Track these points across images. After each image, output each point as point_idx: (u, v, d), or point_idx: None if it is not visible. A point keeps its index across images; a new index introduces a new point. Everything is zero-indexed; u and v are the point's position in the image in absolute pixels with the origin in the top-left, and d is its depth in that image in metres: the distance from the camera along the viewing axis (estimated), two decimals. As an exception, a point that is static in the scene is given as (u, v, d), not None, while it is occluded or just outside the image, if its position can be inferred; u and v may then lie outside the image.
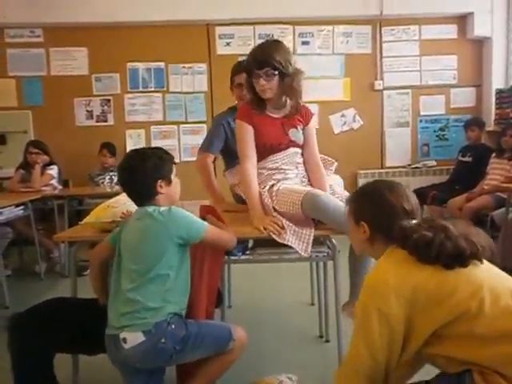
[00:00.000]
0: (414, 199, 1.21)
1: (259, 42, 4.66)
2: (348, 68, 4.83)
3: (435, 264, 1.06)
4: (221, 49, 4.77)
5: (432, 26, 4.82)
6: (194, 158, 4.88)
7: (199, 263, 1.64)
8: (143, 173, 1.56)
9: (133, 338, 1.45)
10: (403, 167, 4.90)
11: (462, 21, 4.80)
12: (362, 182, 4.74)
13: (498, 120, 4.71)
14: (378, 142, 4.94)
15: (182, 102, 4.83)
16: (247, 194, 1.94)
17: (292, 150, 2.01)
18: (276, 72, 1.91)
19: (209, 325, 1.62)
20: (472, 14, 4.66)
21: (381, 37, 4.82)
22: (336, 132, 4.88)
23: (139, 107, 4.81)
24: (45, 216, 3.77)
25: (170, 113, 4.82)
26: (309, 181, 2.04)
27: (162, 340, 1.44)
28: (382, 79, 4.85)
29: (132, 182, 1.59)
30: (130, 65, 4.75)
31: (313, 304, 2.88)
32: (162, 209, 1.53)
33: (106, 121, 4.80)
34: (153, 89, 4.80)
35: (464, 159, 4.25)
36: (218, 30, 4.75)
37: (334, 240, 1.81)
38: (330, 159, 2.17)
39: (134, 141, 4.81)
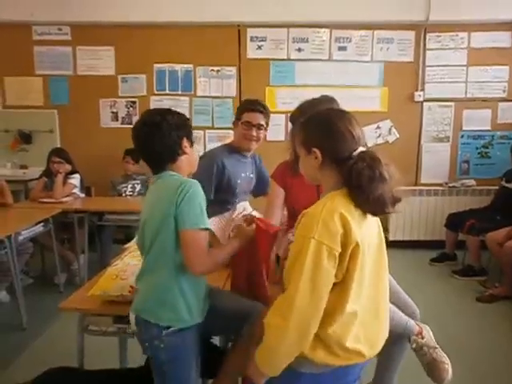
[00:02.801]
0: (359, 128, 1.24)
1: (293, 45, 4.50)
2: (387, 77, 4.50)
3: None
4: (252, 52, 4.52)
5: (482, 33, 4.40)
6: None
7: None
8: (168, 127, 1.40)
9: None
10: (439, 185, 4.60)
11: (517, 28, 4.37)
12: (393, 199, 4.47)
13: (549, 141, 4.33)
14: (414, 157, 4.64)
15: (209, 107, 4.65)
16: None
17: None
18: None
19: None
20: (529, 21, 4.23)
21: (425, 44, 4.44)
22: (369, 145, 4.54)
23: (165, 110, 4.65)
24: (66, 227, 3.74)
25: (197, 117, 4.65)
26: None
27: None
28: (422, 90, 4.51)
29: (153, 138, 1.40)
30: (156, 66, 4.58)
31: None
32: (185, 179, 1.41)
33: (130, 123, 4.67)
34: (180, 92, 4.63)
35: (508, 185, 3.93)
36: (250, 32, 4.49)
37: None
38: None
39: (158, 145, 4.68)
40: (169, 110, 1.49)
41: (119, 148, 4.37)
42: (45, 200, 3.68)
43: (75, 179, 3.88)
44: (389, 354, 1.80)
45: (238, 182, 2.31)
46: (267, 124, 2.31)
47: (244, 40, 4.50)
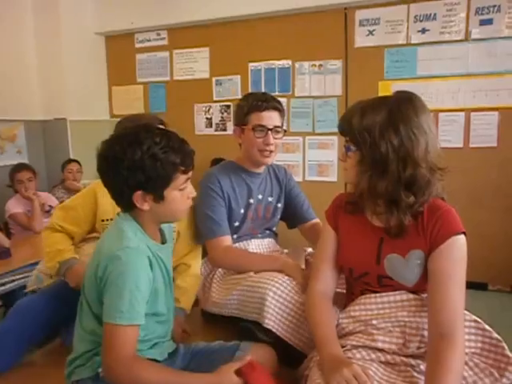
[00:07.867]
0: None
1: (415, 26, 3.51)
2: (556, 56, 3.17)
3: None
4: (361, 39, 3.67)
5: None
6: (321, 178, 4.01)
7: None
8: (116, 171, 1.01)
9: None
10: None
11: None
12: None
13: None
14: None
15: (309, 109, 3.93)
16: (312, 331, 1.19)
17: (395, 295, 1.10)
18: (353, 147, 1.11)
19: None
20: None
21: None
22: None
23: (260, 115, 4.11)
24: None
25: (295, 122, 3.99)
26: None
27: None
28: None
29: (103, 176, 1.06)
30: (251, 65, 4.07)
31: None
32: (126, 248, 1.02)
33: (224, 129, 4.27)
34: (277, 93, 4.03)
35: None
36: (359, 15, 3.65)
37: None
38: (503, 345, 1.05)
39: (252, 153, 4.17)
40: (143, 136, 1.03)
41: (211, 156, 4.01)
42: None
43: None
44: None
45: (242, 211, 1.63)
46: (283, 126, 1.64)
47: (352, 25, 3.67)
